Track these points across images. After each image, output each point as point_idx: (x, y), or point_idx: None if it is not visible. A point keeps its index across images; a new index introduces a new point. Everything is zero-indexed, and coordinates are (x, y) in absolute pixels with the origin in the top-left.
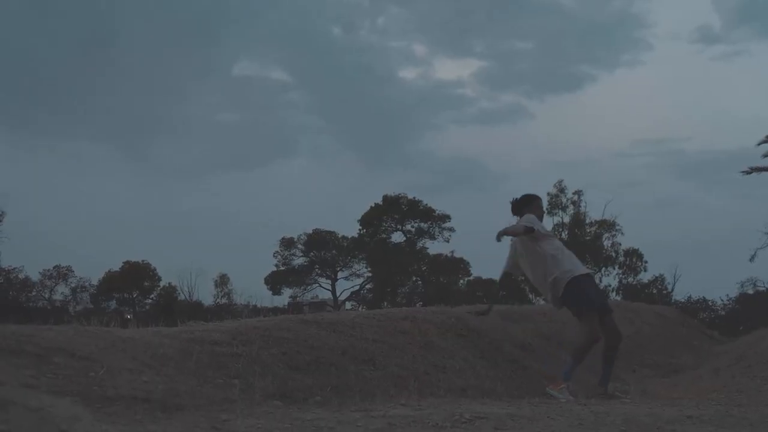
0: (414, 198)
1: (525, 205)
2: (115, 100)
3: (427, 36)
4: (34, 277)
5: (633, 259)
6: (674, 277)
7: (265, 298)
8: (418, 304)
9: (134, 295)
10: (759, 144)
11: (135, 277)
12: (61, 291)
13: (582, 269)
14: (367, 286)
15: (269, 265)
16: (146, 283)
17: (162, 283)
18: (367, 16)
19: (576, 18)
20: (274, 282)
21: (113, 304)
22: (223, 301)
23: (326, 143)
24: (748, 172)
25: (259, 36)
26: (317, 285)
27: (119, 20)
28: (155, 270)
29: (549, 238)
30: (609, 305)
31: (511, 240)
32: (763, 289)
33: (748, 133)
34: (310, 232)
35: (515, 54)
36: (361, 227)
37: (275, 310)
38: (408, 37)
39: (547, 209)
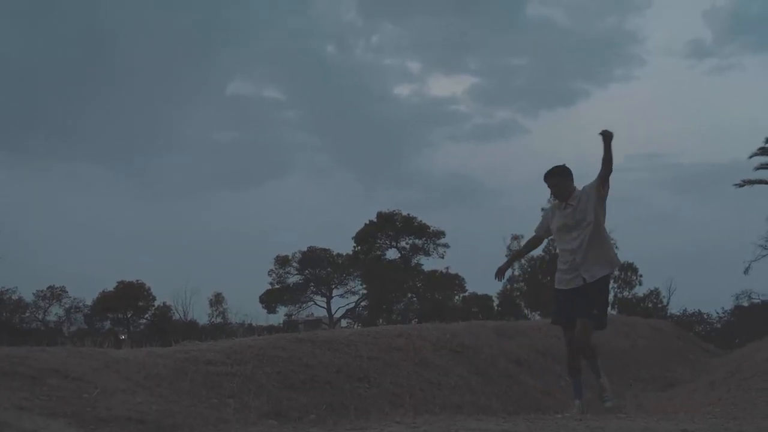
0: (408, 215)
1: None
2: (110, 120)
3: (421, 53)
4: (28, 297)
5: (628, 273)
6: (669, 290)
7: (260, 316)
8: (413, 321)
9: (129, 315)
10: (751, 157)
11: (129, 296)
12: (55, 312)
13: (560, 282)
14: (363, 304)
15: (264, 284)
16: (141, 303)
17: (156, 303)
18: (362, 35)
19: (570, 34)
20: (269, 300)
21: (107, 324)
22: (218, 320)
23: (321, 161)
24: (740, 185)
25: (253, 55)
26: (312, 303)
27: (115, 41)
28: (150, 289)
29: (557, 238)
30: (576, 317)
31: None
32: (758, 301)
33: (742, 145)
34: (305, 249)
35: (509, 70)
36: (355, 244)
37: (270, 329)
38: (402, 55)
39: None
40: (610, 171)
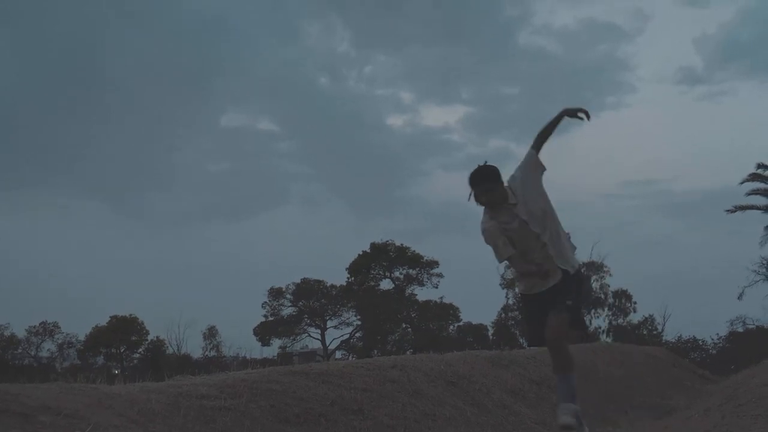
0: (402, 245)
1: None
2: (104, 153)
3: (413, 83)
4: (20, 333)
5: (622, 300)
6: (664, 317)
7: (254, 349)
8: (408, 352)
9: (122, 350)
10: (742, 183)
11: (122, 331)
12: (48, 347)
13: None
14: (357, 335)
15: (258, 316)
16: (134, 338)
17: (150, 337)
18: (354, 65)
19: (561, 62)
20: (263, 333)
21: (101, 359)
22: (212, 353)
23: (315, 191)
24: (732, 211)
25: (246, 87)
26: (307, 335)
27: (109, 75)
28: (143, 324)
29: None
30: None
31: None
32: (753, 326)
33: (734, 171)
34: (299, 281)
35: (502, 99)
36: (349, 275)
37: (264, 362)
38: (395, 85)
39: None
40: (545, 141)
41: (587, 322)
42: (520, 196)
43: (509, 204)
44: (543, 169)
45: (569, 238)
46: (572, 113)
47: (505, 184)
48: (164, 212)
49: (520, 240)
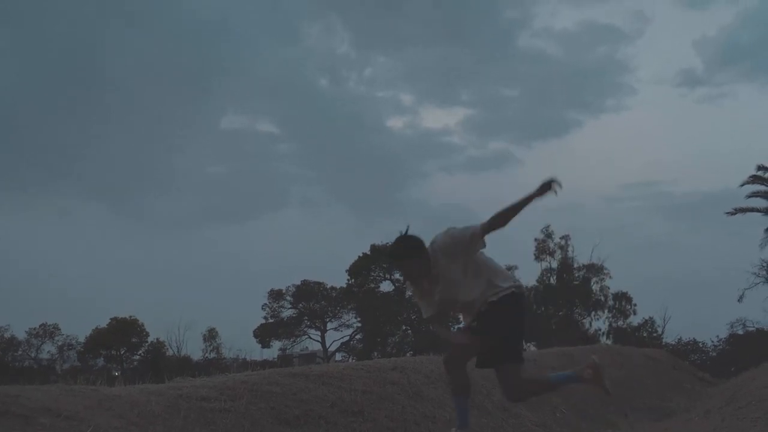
0: None
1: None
2: (104, 155)
3: (414, 85)
4: (20, 335)
5: (622, 302)
6: (664, 319)
7: (254, 351)
8: (408, 354)
9: (122, 352)
10: (742, 185)
11: (123, 333)
12: (48, 349)
13: None
14: (357, 337)
15: (258, 318)
16: (134, 339)
17: (150, 339)
18: (354, 67)
19: (561, 64)
20: (263, 335)
21: (101, 361)
22: (212, 355)
23: (315, 193)
24: (732, 213)
25: (246, 88)
26: (307, 336)
27: (109, 77)
28: (143, 325)
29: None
30: None
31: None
32: (753, 329)
33: (734, 173)
34: (299, 283)
35: (502, 101)
36: (349, 277)
37: (264, 363)
38: (395, 87)
39: (534, 254)
40: (502, 227)
41: (588, 328)
42: (443, 268)
43: (431, 275)
44: (482, 247)
45: (496, 270)
46: (547, 188)
47: (428, 244)
48: (164, 213)
49: (442, 304)
